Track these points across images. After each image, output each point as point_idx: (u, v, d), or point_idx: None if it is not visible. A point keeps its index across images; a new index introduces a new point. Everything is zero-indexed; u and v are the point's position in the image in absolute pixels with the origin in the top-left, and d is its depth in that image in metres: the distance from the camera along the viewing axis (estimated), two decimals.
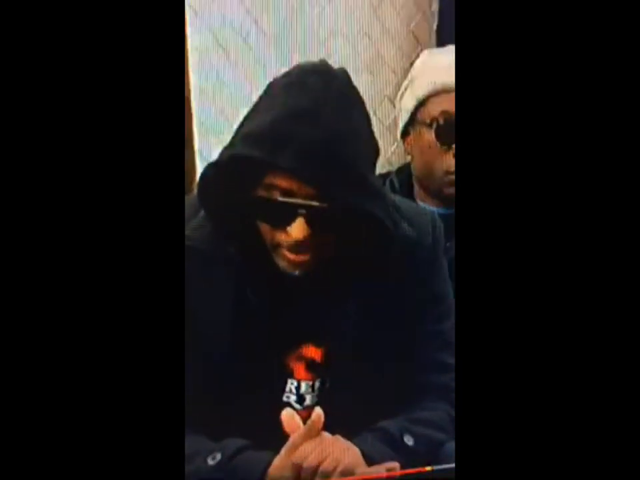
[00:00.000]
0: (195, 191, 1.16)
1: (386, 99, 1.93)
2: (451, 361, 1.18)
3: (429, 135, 1.49)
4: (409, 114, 1.52)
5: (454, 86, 1.22)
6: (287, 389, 1.19)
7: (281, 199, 1.09)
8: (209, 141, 1.78)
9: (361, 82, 1.20)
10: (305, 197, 1.09)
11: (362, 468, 1.09)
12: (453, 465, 0.95)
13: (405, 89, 1.55)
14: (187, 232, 1.16)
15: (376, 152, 1.16)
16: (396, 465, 1.10)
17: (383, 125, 1.89)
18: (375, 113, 1.85)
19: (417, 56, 1.60)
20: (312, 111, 1.08)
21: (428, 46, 1.93)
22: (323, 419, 1.09)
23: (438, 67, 1.49)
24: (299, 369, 1.19)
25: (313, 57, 1.21)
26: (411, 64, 1.60)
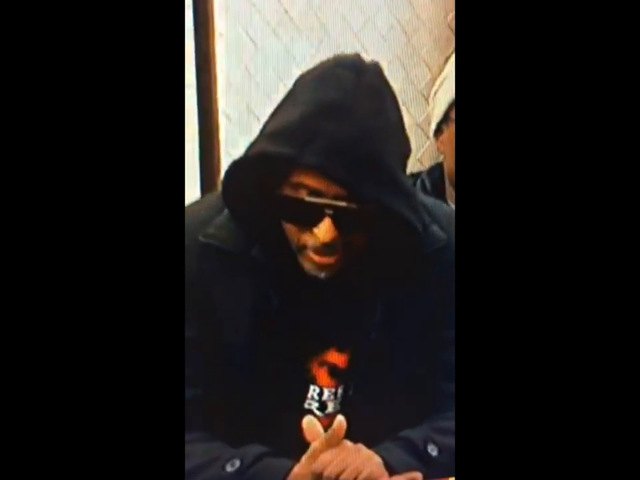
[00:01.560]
0: (220, 188, 1.15)
1: (419, 94, 1.90)
2: None
3: None
4: (443, 111, 1.50)
5: None
6: (309, 395, 1.17)
7: (307, 198, 1.07)
8: (235, 137, 1.76)
9: (393, 77, 1.17)
10: (333, 197, 1.07)
11: (384, 478, 1.07)
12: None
13: (440, 85, 1.52)
14: (210, 230, 1.15)
15: (407, 150, 1.14)
16: (419, 475, 1.08)
17: (415, 122, 1.86)
18: (407, 110, 1.82)
19: (453, 50, 1.56)
20: (342, 106, 1.06)
21: None
22: (345, 427, 1.07)
23: None
24: (322, 375, 1.17)
25: (345, 49, 1.19)
26: (447, 59, 1.57)
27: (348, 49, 1.18)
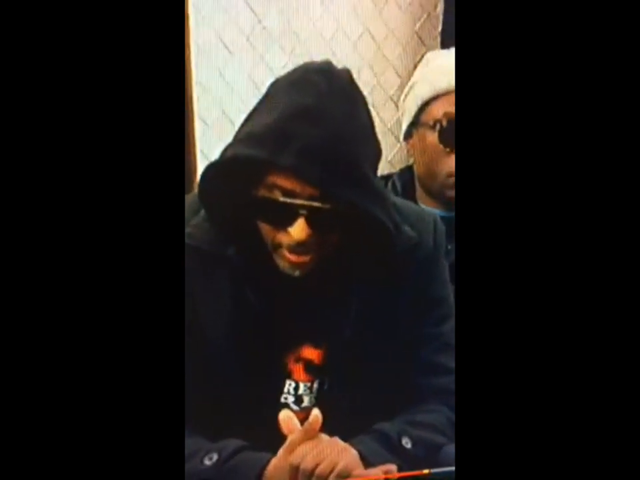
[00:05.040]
0: (196, 190, 1.16)
1: (389, 100, 1.93)
2: (450, 363, 1.17)
3: (432, 137, 1.49)
4: (412, 115, 1.52)
5: None
6: (285, 390, 1.19)
7: (282, 199, 1.09)
8: (211, 140, 1.78)
9: (364, 82, 1.20)
10: (307, 197, 1.09)
11: (359, 470, 1.09)
12: (452, 468, 0.96)
13: (409, 91, 1.55)
14: (187, 230, 1.16)
15: (378, 153, 1.16)
16: (393, 467, 1.10)
17: (385, 126, 1.89)
18: (377, 114, 1.85)
19: (422, 57, 1.60)
20: (315, 110, 1.08)
21: (433, 48, 1.93)
22: (320, 420, 1.09)
23: (441, 69, 1.49)
24: (298, 370, 1.19)
25: (317, 57, 1.21)
26: (415, 65, 1.60)
27: (320, 56, 1.20)
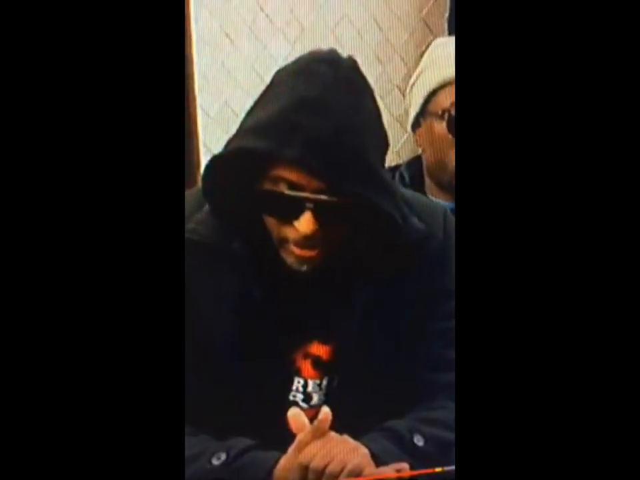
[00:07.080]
0: (200, 183, 1.15)
1: (396, 89, 1.92)
2: None
3: (440, 127, 1.48)
4: (420, 105, 1.51)
5: None
6: (294, 387, 1.18)
7: (288, 192, 1.08)
8: (214, 132, 1.78)
9: (370, 71, 1.19)
10: (313, 190, 1.08)
11: (370, 469, 1.08)
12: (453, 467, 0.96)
13: (416, 79, 1.54)
14: (191, 225, 1.16)
15: (385, 144, 1.15)
16: (405, 465, 1.09)
17: (392, 116, 1.87)
18: (384, 104, 1.83)
19: (428, 45, 1.58)
20: (320, 100, 1.07)
21: (440, 34, 1.92)
22: (330, 418, 1.08)
23: (449, 56, 1.47)
24: (306, 366, 1.18)
25: (321, 45, 1.20)
26: (422, 53, 1.59)
27: (324, 45, 1.19)
